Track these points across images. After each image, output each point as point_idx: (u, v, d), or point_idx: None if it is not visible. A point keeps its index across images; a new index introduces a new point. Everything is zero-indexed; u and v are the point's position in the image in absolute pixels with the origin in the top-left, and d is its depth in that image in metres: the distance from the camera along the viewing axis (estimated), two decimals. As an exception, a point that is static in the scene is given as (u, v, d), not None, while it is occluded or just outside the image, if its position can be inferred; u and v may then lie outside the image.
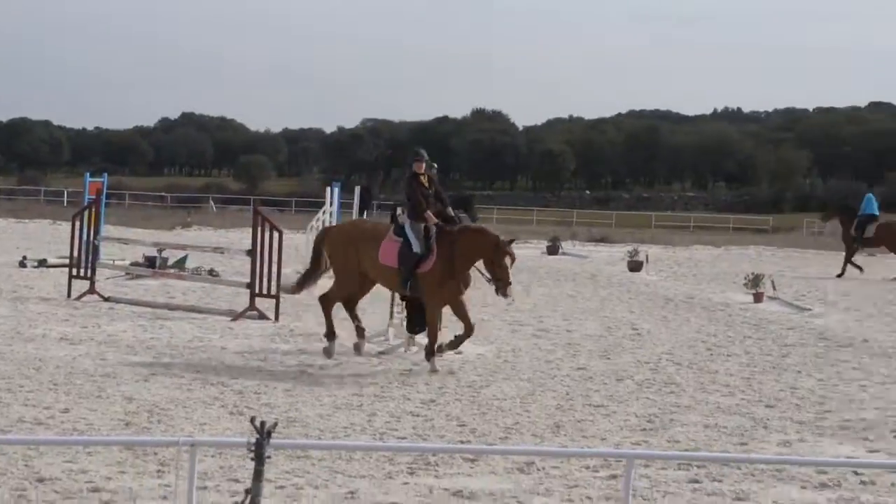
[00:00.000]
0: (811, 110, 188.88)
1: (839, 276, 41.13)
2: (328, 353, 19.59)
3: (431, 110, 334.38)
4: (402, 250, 19.13)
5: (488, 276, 18.62)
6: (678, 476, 12.35)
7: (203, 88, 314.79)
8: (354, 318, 20.18)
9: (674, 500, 11.49)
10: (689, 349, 21.82)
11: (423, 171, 19.67)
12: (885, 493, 12.00)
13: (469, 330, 18.98)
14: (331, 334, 19.85)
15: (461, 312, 19.08)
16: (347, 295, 20.15)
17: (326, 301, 20.22)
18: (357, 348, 19.94)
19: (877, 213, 42.39)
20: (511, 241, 18.88)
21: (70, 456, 12.26)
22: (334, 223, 35.81)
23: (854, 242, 42.33)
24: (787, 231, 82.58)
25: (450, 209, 19.42)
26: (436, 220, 19.09)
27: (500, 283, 18.44)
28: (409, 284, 19.15)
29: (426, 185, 19.58)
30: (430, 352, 18.82)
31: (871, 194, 43.63)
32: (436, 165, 42.72)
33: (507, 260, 18.47)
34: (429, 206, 19.25)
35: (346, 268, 19.93)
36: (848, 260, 42.18)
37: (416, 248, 19.02)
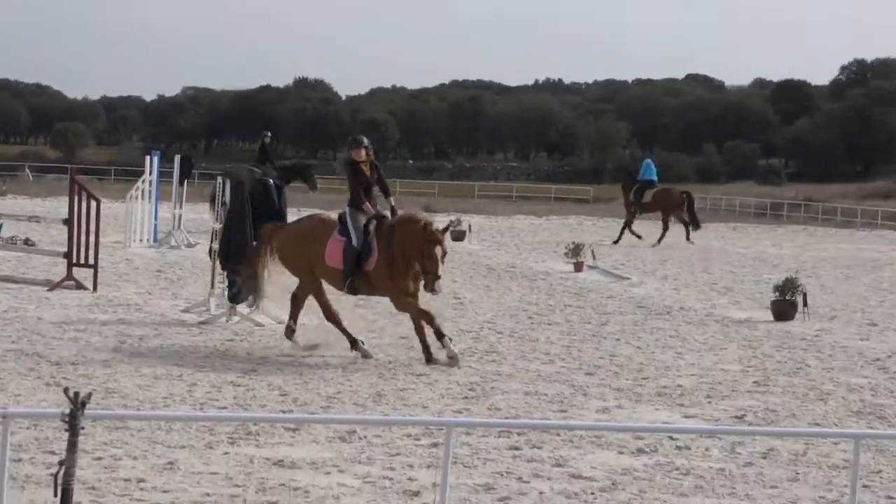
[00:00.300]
0: (630, 82, 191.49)
1: (615, 242, 42.14)
2: (366, 354, 17.50)
3: (253, 79, 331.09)
4: (345, 248, 17.59)
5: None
6: (499, 443, 12.45)
7: (18, 54, 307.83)
8: (293, 315, 18.25)
9: (494, 466, 11.58)
10: (511, 318, 22.03)
11: (363, 157, 17.97)
12: (700, 458, 12.25)
13: (419, 319, 17.44)
14: (353, 342, 17.60)
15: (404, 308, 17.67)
16: (312, 293, 18.17)
17: (329, 313, 18.00)
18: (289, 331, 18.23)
19: (655, 178, 43.94)
20: (445, 229, 17.84)
21: None
22: (154, 192, 35.43)
23: (633, 207, 43.52)
24: (607, 201, 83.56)
25: (391, 199, 18.23)
26: (374, 212, 17.76)
27: (428, 276, 16.97)
28: (351, 283, 17.64)
29: (367, 173, 17.97)
30: (440, 335, 17.09)
31: (649, 160, 45.68)
32: (269, 133, 42.72)
33: (438, 250, 16.93)
34: (368, 196, 17.88)
35: (300, 270, 18.21)
36: (626, 225, 43.38)
37: (355, 241, 17.50)
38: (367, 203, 17.79)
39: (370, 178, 17.98)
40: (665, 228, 42.95)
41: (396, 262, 17.28)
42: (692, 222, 43.33)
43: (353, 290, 17.88)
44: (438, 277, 16.95)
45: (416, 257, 17.10)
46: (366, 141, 18.23)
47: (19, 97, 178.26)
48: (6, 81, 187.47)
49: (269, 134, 42.17)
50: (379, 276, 17.45)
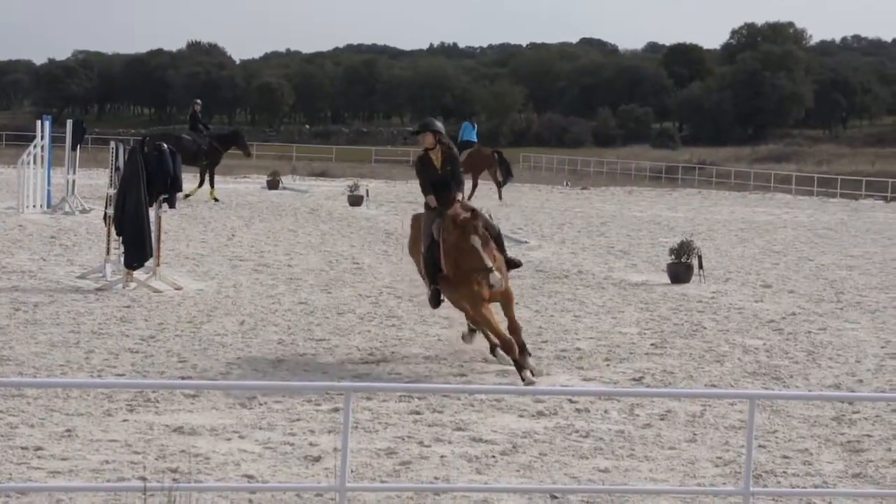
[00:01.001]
0: (524, 46, 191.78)
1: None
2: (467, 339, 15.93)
3: (145, 43, 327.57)
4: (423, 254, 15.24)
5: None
6: (399, 408, 12.47)
7: None
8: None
9: (395, 431, 11.59)
10: (410, 283, 22.02)
11: (430, 144, 14.95)
12: (599, 420, 12.35)
13: (505, 346, 14.42)
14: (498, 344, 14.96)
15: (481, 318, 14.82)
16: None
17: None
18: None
19: (474, 139, 45.02)
20: (473, 216, 14.46)
21: None
22: (46, 158, 34.94)
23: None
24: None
25: (457, 194, 15.00)
26: (435, 205, 14.91)
27: (476, 272, 14.27)
28: (434, 294, 15.14)
29: (437, 164, 15.02)
30: (513, 356, 14.36)
31: (467, 122, 46.71)
32: (199, 101, 42.53)
33: (473, 240, 14.19)
34: (440, 193, 14.91)
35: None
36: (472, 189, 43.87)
37: (424, 246, 15.12)
38: (433, 197, 14.90)
39: (443, 170, 14.92)
40: (474, 186, 43.52)
41: (456, 262, 14.52)
42: (504, 178, 44.56)
43: (435, 302, 15.28)
44: (489, 270, 14.01)
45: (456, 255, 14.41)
46: (436, 125, 15.01)
47: None
48: None
49: (199, 102, 42.44)
50: (444, 284, 14.92)
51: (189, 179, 39.33)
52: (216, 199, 39.15)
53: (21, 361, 14.14)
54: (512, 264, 15.34)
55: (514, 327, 14.63)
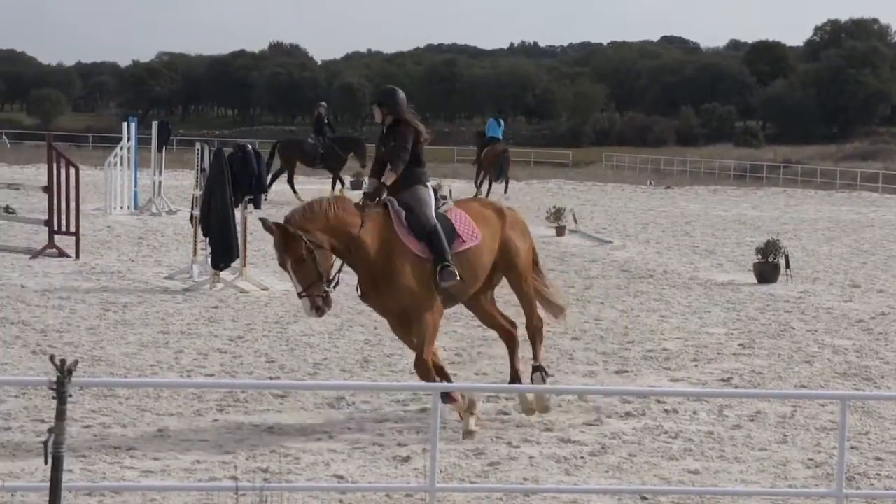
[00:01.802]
0: (605, 44, 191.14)
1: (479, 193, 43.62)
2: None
3: (228, 44, 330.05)
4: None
5: None
6: (487, 408, 12.48)
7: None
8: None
9: (483, 431, 11.59)
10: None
11: (380, 120, 12.66)
12: (687, 421, 12.28)
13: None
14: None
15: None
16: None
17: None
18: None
19: (499, 136, 45.81)
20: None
21: None
22: (133, 159, 35.26)
23: (476, 164, 46.53)
24: (586, 164, 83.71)
25: (391, 175, 12.32)
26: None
27: None
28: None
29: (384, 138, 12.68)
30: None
31: (493, 119, 47.29)
32: (324, 104, 42.88)
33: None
34: (382, 171, 12.49)
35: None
36: (476, 182, 45.75)
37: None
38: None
39: (387, 148, 12.52)
40: (482, 179, 45.27)
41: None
42: (497, 176, 45.34)
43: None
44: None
45: None
46: (385, 97, 12.64)
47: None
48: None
49: (324, 104, 42.73)
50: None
51: (302, 182, 39.56)
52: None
53: (112, 362, 14.28)
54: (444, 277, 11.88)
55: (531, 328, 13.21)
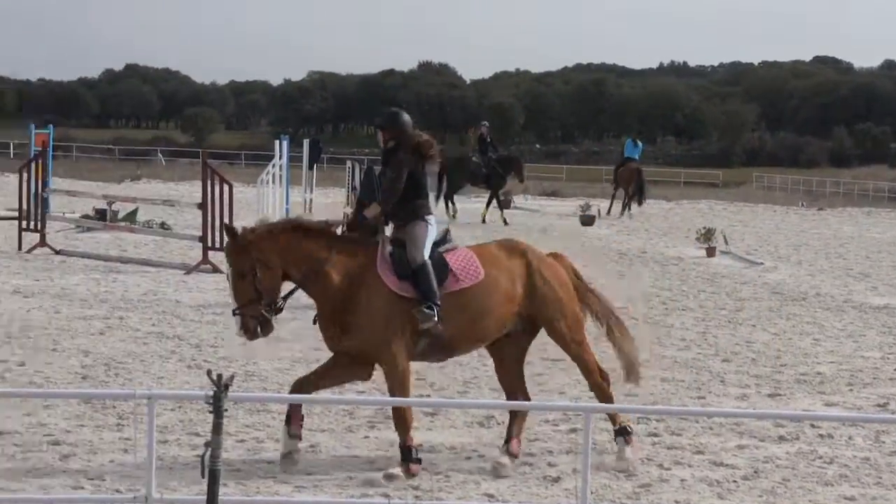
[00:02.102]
0: (756, 64, 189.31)
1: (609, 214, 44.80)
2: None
3: (377, 64, 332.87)
4: None
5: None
6: (638, 430, 12.37)
7: (147, 40, 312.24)
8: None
9: (633, 453, 11.51)
10: (645, 303, 21.86)
11: (383, 145, 11.52)
12: (843, 447, 12.08)
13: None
14: None
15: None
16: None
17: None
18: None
19: (635, 156, 46.17)
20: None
21: (29, 409, 12.18)
22: (284, 177, 35.68)
23: (613, 183, 47.09)
24: (737, 185, 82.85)
25: (374, 209, 11.35)
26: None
27: None
28: None
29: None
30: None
31: (629, 140, 48.02)
32: (486, 124, 43.53)
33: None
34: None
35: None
36: (611, 201, 46.35)
37: None
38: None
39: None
40: (621, 200, 45.60)
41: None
42: (636, 195, 45.22)
43: None
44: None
45: None
46: (385, 120, 11.49)
47: (149, 82, 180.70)
48: (135, 67, 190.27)
49: (486, 124, 43.03)
50: None
51: (462, 200, 39.95)
52: (505, 221, 39.45)
53: (265, 377, 14.46)
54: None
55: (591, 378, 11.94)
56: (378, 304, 10.85)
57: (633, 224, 42.06)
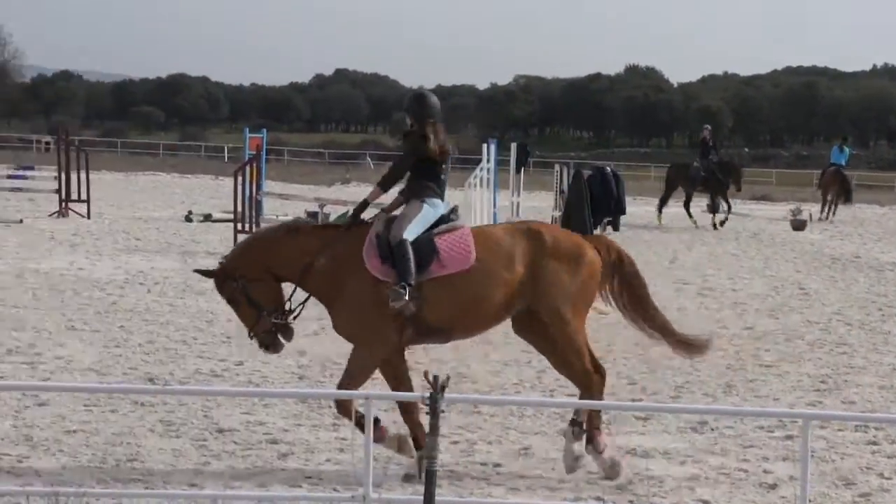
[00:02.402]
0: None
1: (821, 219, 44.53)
2: None
3: (583, 68, 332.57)
4: None
5: None
6: (856, 438, 12.15)
7: (355, 45, 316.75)
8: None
9: (853, 461, 11.29)
10: (860, 309, 21.40)
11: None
12: None
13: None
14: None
15: None
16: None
17: None
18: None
19: (842, 162, 45.96)
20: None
21: (247, 408, 12.44)
22: (492, 180, 35.84)
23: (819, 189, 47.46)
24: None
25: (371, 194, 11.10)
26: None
27: None
28: None
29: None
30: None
31: (836, 146, 47.39)
32: (708, 127, 43.97)
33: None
34: None
35: None
36: (822, 206, 46.03)
37: None
38: None
39: None
40: (823, 203, 45.81)
41: None
42: (838, 201, 45.46)
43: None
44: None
45: None
46: (412, 103, 11.50)
47: (358, 87, 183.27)
48: (345, 71, 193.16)
49: (709, 127, 42.92)
50: None
51: (632, 204, 39.83)
52: (716, 226, 39.22)
53: (476, 379, 14.53)
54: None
55: None
56: (356, 288, 10.56)
57: (845, 229, 41.23)
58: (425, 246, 10.62)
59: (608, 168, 21.62)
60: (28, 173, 39.57)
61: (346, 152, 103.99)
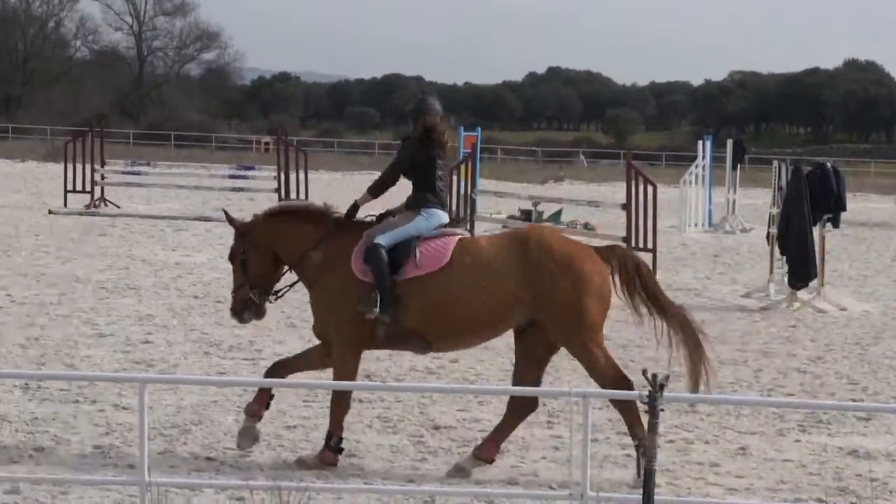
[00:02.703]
0: None
1: None
2: None
3: (800, 62, 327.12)
4: None
5: None
6: None
7: (566, 43, 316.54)
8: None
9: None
10: None
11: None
12: None
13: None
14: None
15: None
16: None
17: None
18: None
19: None
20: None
21: (462, 405, 12.53)
22: (707, 177, 35.47)
23: None
24: None
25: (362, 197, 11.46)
26: None
27: None
28: None
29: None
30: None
31: None
32: None
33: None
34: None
35: None
36: None
37: None
38: None
39: None
40: None
41: None
42: None
43: None
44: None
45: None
46: (413, 105, 11.50)
47: (571, 85, 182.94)
48: (557, 69, 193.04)
49: None
50: None
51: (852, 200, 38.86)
52: None
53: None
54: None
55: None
56: (335, 286, 10.58)
57: None
58: (404, 248, 10.55)
59: (829, 164, 21.15)
60: (248, 173, 40.40)
61: (559, 150, 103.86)
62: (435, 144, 10.85)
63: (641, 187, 24.80)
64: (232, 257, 11.13)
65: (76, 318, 16.98)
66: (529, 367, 10.70)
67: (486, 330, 10.71)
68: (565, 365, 14.74)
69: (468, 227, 27.72)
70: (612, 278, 10.63)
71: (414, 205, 10.80)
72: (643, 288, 10.80)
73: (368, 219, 10.93)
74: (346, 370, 10.66)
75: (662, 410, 8.26)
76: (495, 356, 15.05)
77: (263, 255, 10.89)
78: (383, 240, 10.53)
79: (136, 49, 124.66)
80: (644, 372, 8.29)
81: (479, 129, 39.86)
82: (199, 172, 40.86)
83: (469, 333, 10.72)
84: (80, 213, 33.19)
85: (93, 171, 35.62)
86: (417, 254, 10.47)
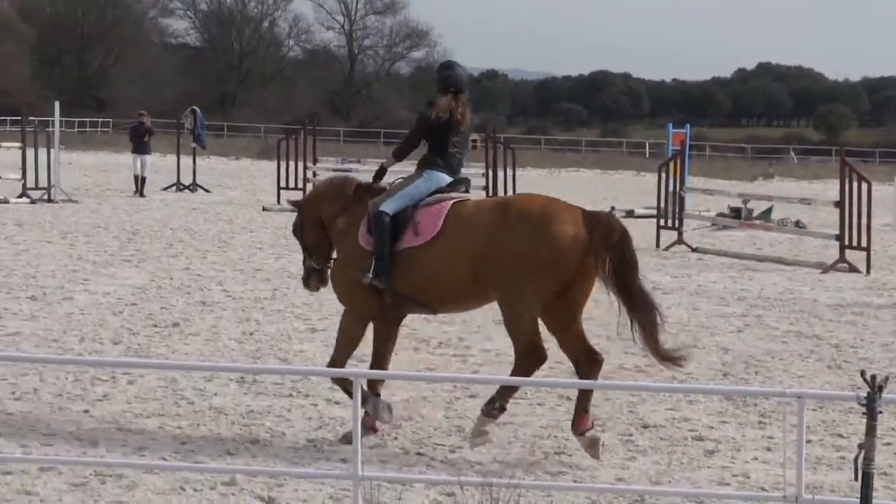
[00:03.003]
0: None
1: None
2: None
3: None
4: None
5: None
6: None
7: (779, 38, 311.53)
8: None
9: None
10: None
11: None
12: None
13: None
14: None
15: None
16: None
17: None
18: None
19: None
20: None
21: (672, 404, 12.43)
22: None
23: None
24: None
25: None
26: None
27: None
28: None
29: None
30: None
31: None
32: None
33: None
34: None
35: None
36: None
37: None
38: None
39: None
40: None
41: None
42: None
43: None
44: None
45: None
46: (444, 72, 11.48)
47: (781, 81, 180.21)
48: (767, 65, 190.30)
49: None
50: None
51: None
52: None
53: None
54: None
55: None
56: (344, 254, 11.13)
57: None
58: (404, 217, 10.79)
59: None
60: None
61: (769, 147, 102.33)
62: (452, 121, 11.09)
63: (855, 184, 24.34)
64: (294, 230, 11.83)
65: (289, 314, 17.31)
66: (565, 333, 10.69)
67: (480, 296, 10.87)
68: (776, 365, 14.56)
69: (679, 224, 27.50)
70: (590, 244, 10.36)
71: (420, 165, 11.19)
72: (621, 260, 10.51)
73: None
74: (352, 335, 11.12)
75: (881, 412, 8.06)
76: (706, 356, 14.92)
77: (313, 224, 11.44)
78: (387, 206, 10.83)
79: (346, 48, 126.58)
80: (862, 373, 8.10)
81: (688, 125, 39.46)
82: (409, 170, 41.17)
83: (464, 298, 10.92)
84: (293, 210, 33.78)
85: (305, 168, 36.32)
86: (417, 223, 10.71)
